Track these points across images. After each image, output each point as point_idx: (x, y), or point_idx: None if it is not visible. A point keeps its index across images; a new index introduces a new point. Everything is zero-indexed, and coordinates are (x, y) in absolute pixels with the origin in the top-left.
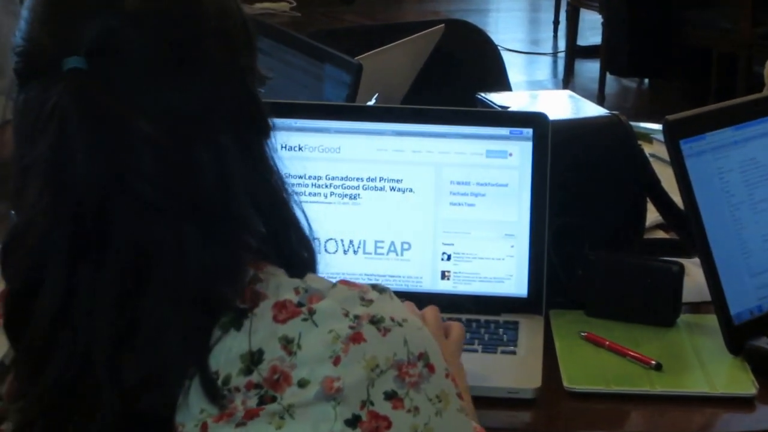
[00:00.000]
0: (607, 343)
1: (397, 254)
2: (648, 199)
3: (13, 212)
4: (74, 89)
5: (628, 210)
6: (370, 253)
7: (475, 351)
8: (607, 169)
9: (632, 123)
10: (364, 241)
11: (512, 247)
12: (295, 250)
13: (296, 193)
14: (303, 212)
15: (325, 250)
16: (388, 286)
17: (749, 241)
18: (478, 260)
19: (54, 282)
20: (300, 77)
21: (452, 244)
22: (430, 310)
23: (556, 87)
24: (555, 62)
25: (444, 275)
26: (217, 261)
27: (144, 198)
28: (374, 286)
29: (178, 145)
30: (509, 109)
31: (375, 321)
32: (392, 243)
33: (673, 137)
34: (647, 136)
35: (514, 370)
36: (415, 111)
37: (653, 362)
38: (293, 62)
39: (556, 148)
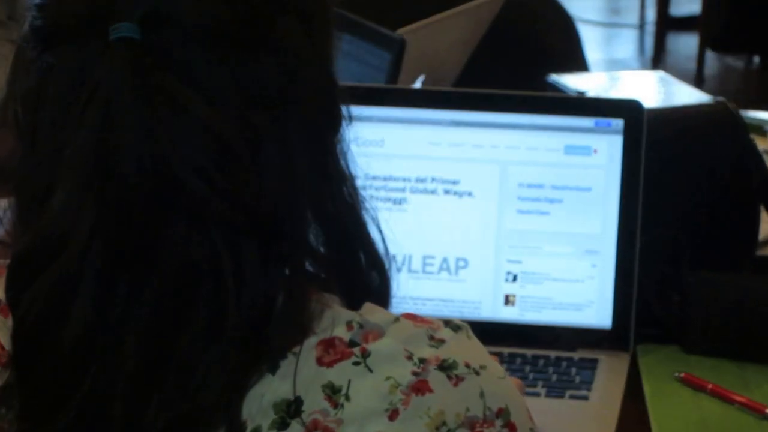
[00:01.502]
0: (710, 386)
1: (450, 273)
2: (763, 207)
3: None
4: (126, 64)
5: (738, 220)
6: (417, 272)
7: (537, 395)
8: (712, 169)
9: (749, 111)
10: (410, 257)
11: (594, 266)
12: (365, 276)
13: (371, 205)
14: (378, 227)
15: None
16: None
17: None
18: (550, 282)
19: (86, 305)
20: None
21: (519, 262)
22: None
23: (643, 66)
24: (642, 36)
25: (508, 300)
26: (275, 293)
27: (199, 200)
28: (447, 322)
29: (244, 137)
30: (593, 95)
31: (445, 367)
32: (445, 259)
33: None
34: (761, 128)
35: (582, 420)
36: (477, 96)
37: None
38: None
39: (648, 144)
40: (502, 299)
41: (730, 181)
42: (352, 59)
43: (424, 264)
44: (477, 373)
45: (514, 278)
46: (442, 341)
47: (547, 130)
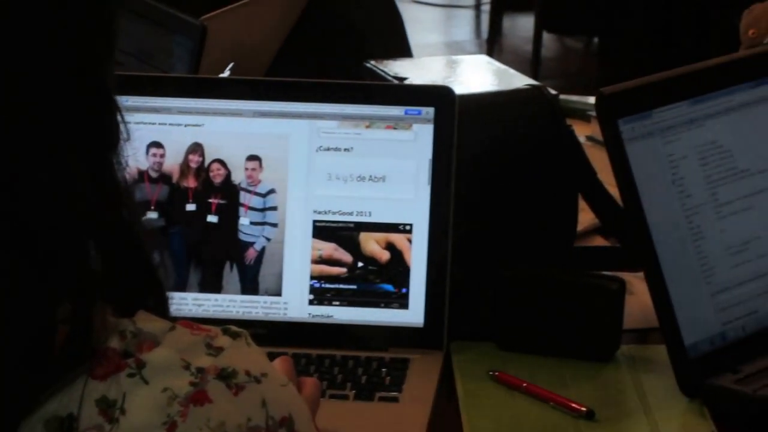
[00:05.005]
0: (525, 384)
1: None
2: (581, 197)
3: None
4: None
5: (555, 211)
6: None
7: (345, 398)
8: (527, 158)
9: (573, 96)
10: None
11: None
12: (141, 287)
13: (142, 210)
14: (158, 238)
15: None
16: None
17: (710, 253)
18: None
19: None
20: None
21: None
22: (281, 362)
23: (480, 48)
24: (478, 17)
25: (315, 298)
26: (50, 309)
27: None
28: (226, 330)
29: (7, 153)
30: (406, 82)
31: (225, 376)
32: None
33: (609, 115)
34: (584, 113)
35: (391, 423)
36: (279, 85)
37: (584, 409)
38: None
39: (463, 132)
40: (309, 298)
41: (547, 169)
42: (148, 47)
43: None
44: (258, 381)
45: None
46: (220, 349)
47: (356, 119)
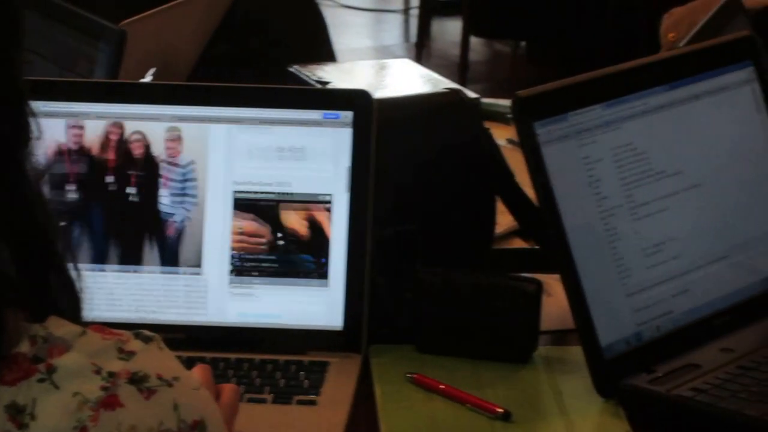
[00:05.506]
0: (442, 386)
1: None
2: (500, 199)
3: None
4: None
5: (472, 214)
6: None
7: (263, 402)
8: (445, 160)
9: (494, 100)
10: None
11: (324, 263)
12: (54, 292)
13: (61, 219)
14: (69, 241)
15: None
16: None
17: (626, 254)
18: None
19: None
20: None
21: (245, 260)
22: (199, 370)
23: (409, 53)
24: (407, 21)
25: (235, 302)
26: None
27: None
28: (138, 334)
29: None
30: (329, 86)
31: (136, 380)
32: None
33: (524, 118)
34: (505, 117)
35: (309, 426)
36: (198, 90)
37: (500, 410)
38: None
39: (381, 136)
40: (228, 301)
41: (465, 172)
42: (67, 52)
43: None
44: (170, 385)
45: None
46: (132, 353)
47: (275, 123)
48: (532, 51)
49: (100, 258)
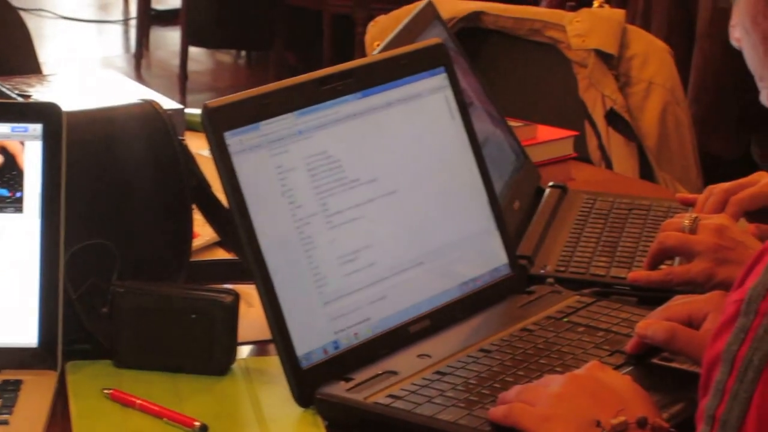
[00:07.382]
0: (138, 402)
1: None
2: (197, 209)
3: None
4: None
5: (169, 225)
6: None
7: None
8: (139, 173)
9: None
10: None
11: (17, 279)
12: None
13: None
14: None
15: None
16: None
17: (322, 262)
18: None
19: None
20: None
21: None
22: None
23: (129, 63)
24: (127, 32)
25: None
26: None
27: None
28: None
29: None
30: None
31: None
32: None
33: (215, 128)
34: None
35: None
36: None
37: (197, 423)
38: None
39: (76, 148)
40: None
41: (160, 184)
42: None
43: None
44: None
45: None
46: None
47: None
48: (251, 60)
49: None
